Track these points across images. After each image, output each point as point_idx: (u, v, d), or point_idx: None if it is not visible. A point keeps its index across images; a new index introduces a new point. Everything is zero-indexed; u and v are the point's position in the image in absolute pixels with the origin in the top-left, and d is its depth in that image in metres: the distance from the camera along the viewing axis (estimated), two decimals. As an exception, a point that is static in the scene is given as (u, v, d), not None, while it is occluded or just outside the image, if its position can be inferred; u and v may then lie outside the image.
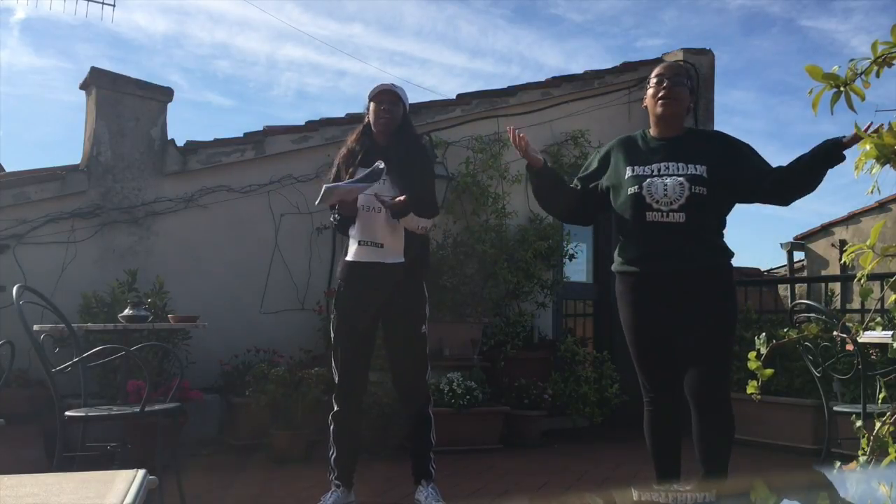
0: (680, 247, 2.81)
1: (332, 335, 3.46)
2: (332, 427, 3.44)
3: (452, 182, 5.92)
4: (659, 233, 2.82)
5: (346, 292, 3.41)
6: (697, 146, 2.90)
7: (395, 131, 3.43)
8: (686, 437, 2.90)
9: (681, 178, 2.79)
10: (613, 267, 3.00)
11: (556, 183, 3.10)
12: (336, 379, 3.43)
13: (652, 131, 2.99)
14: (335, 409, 3.44)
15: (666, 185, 2.80)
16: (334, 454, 3.43)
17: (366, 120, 3.50)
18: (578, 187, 3.09)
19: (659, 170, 2.85)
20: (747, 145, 2.95)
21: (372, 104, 3.44)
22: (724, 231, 2.97)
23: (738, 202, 2.97)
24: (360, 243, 3.34)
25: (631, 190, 2.86)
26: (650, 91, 2.96)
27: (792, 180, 2.79)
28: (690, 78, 3.07)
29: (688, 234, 2.80)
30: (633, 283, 2.91)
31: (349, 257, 3.38)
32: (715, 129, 6.20)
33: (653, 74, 3.00)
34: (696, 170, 2.81)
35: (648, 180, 2.83)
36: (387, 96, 3.41)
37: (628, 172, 2.90)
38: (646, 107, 3.02)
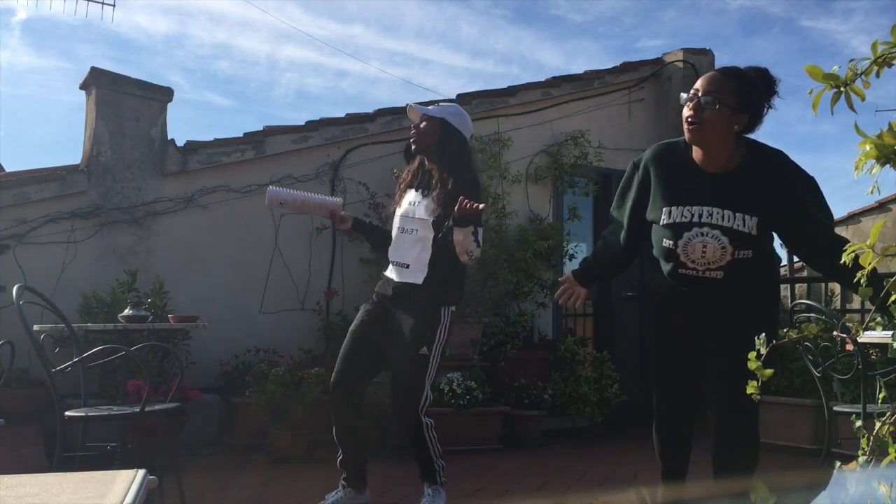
0: (714, 296, 2.56)
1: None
2: (333, 429, 3.43)
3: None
4: (691, 282, 2.56)
5: (372, 300, 3.46)
6: (753, 185, 2.45)
7: (436, 149, 3.39)
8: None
9: (724, 240, 2.43)
10: (644, 276, 2.82)
11: (600, 270, 2.89)
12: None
13: (695, 155, 2.52)
14: (331, 406, 3.43)
15: (705, 248, 2.45)
16: (340, 456, 3.43)
17: None
18: (623, 228, 2.73)
19: (700, 216, 2.46)
20: (812, 188, 2.50)
21: None
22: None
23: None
24: (390, 262, 3.43)
25: (666, 243, 2.53)
26: None
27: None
28: (743, 88, 2.44)
29: (725, 285, 2.53)
30: (659, 300, 2.75)
31: (385, 272, 3.48)
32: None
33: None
34: (744, 224, 2.42)
35: (686, 236, 2.47)
36: (409, 117, 3.46)
37: (664, 217, 2.52)
38: None
